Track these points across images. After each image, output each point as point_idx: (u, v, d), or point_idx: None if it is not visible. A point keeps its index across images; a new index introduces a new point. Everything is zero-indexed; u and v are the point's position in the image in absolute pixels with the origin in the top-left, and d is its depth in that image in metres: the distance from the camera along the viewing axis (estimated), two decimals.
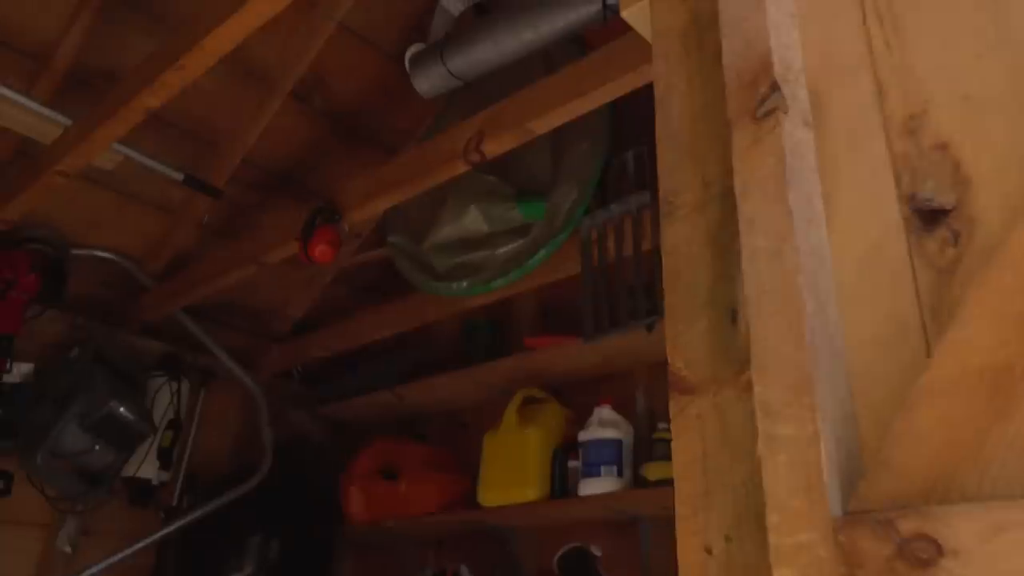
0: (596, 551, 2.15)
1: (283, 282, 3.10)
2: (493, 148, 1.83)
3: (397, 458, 2.75)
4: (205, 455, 2.96)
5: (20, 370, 2.43)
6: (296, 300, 3.17)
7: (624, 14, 0.93)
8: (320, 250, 2.08)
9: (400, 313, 2.80)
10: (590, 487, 2.19)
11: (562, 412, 2.49)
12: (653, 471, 2.08)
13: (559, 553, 2.19)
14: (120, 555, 2.54)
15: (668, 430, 2.16)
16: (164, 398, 2.71)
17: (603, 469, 2.18)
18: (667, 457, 2.21)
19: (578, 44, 2.25)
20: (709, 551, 0.63)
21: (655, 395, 2.46)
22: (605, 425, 2.24)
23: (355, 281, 3.24)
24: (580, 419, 2.47)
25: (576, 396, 2.65)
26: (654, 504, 2.18)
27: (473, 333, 2.83)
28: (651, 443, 2.30)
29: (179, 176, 2.35)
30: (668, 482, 2.06)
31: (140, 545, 2.56)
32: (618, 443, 2.21)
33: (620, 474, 2.18)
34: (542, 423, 2.40)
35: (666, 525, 2.48)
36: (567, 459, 2.33)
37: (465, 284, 2.29)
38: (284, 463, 2.84)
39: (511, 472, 2.36)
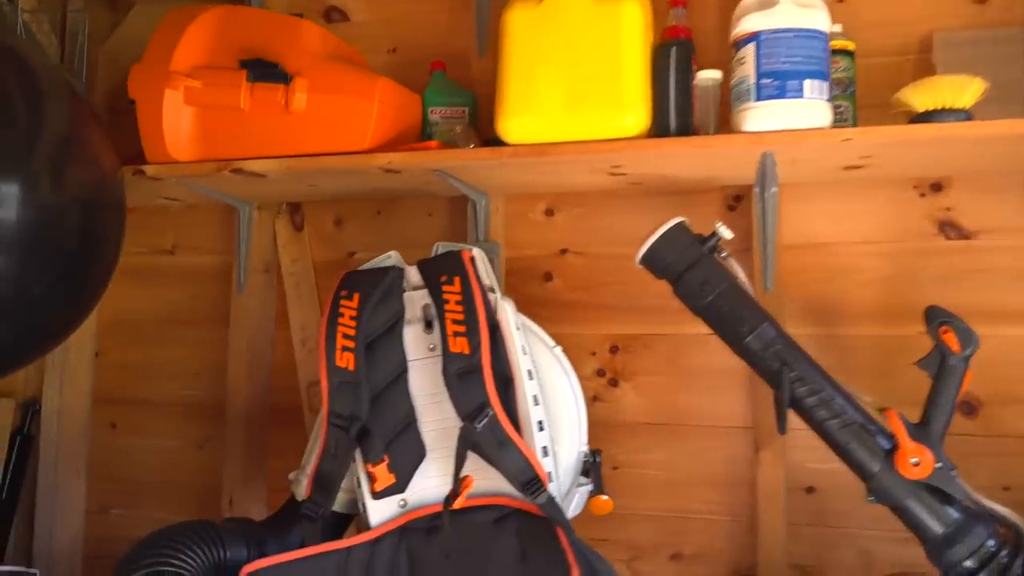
0: (725, 230, 1.19)
1: None
2: None
3: (270, 43, 1.39)
4: None
5: None
6: None
7: None
8: None
9: None
10: (774, 116, 1.17)
11: None
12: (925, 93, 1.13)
13: (658, 234, 1.19)
14: None
15: None
16: None
17: (807, 87, 1.16)
18: None
19: None
20: None
21: None
22: (803, 3, 1.18)
23: None
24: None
25: None
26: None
27: None
28: None
29: None
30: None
31: None
32: (822, 40, 1.19)
33: (828, 95, 1.19)
34: None
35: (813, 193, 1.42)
36: (689, 66, 1.26)
37: None
38: None
39: (579, 80, 1.22)
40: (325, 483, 1.14)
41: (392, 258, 1.27)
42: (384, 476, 1.11)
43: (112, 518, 1.81)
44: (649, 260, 1.24)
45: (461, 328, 1.13)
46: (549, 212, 1.59)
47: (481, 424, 1.09)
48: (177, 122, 1.39)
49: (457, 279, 1.16)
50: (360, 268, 1.24)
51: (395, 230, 1.67)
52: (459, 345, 1.12)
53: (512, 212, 1.60)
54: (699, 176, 1.40)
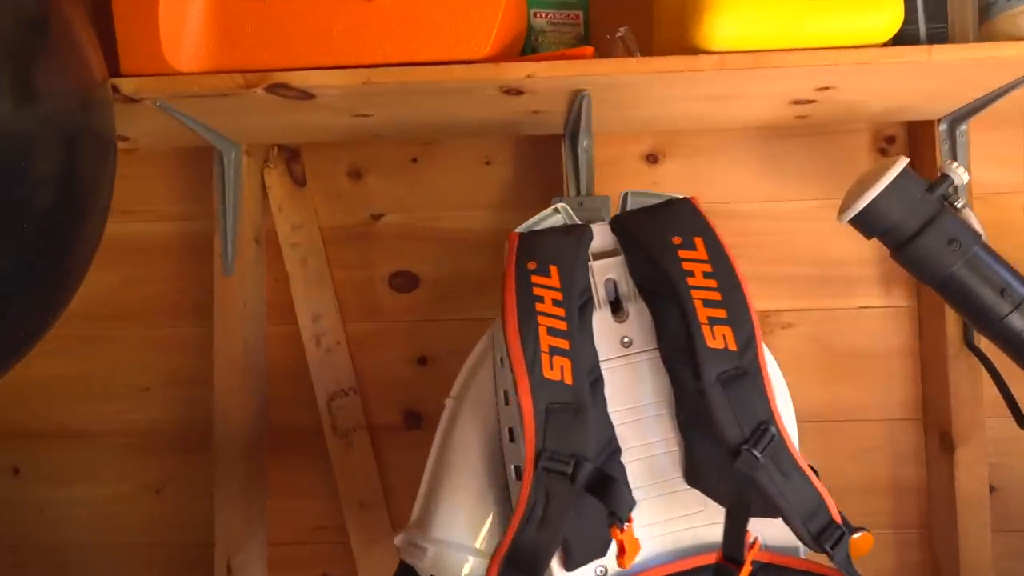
0: (960, 172, 0.92)
1: None
2: None
3: None
4: None
5: None
6: None
7: None
8: None
9: None
10: None
11: None
12: None
13: (885, 181, 0.89)
14: None
15: None
16: None
17: None
18: None
19: None
20: None
21: None
22: None
23: None
24: None
25: None
26: None
27: None
28: None
29: None
30: None
31: None
32: None
33: None
34: None
35: None
36: None
37: None
38: None
39: None
40: (530, 561, 0.72)
41: (561, 213, 0.87)
42: (632, 544, 0.73)
43: None
44: (869, 216, 0.94)
45: (720, 313, 0.75)
46: (652, 158, 1.24)
47: (763, 451, 0.74)
48: (181, 12, 0.89)
49: (699, 241, 0.78)
50: (534, 228, 0.84)
51: (438, 184, 1.25)
52: (720, 338, 0.75)
53: (601, 158, 1.23)
54: (888, 106, 1.10)
